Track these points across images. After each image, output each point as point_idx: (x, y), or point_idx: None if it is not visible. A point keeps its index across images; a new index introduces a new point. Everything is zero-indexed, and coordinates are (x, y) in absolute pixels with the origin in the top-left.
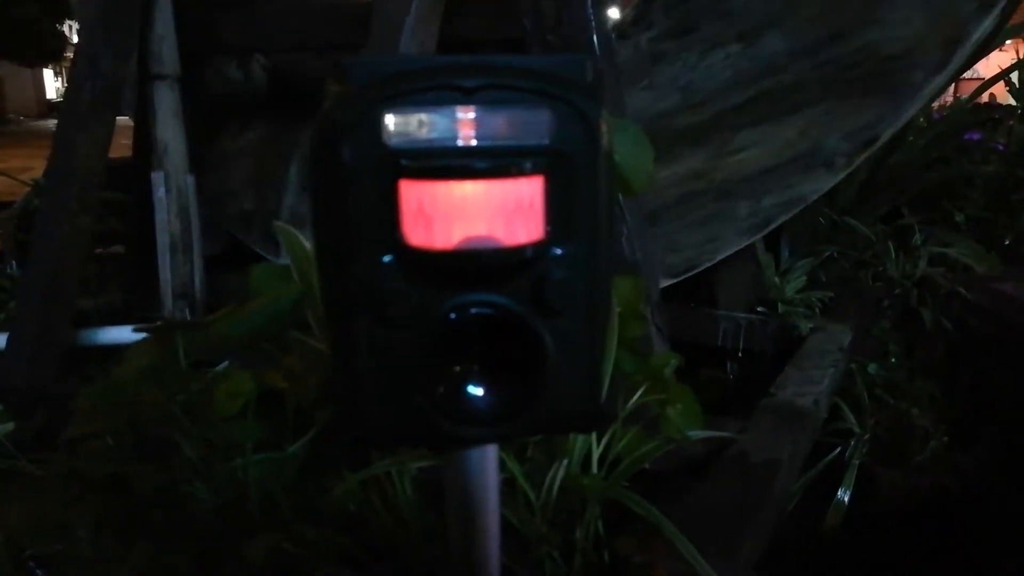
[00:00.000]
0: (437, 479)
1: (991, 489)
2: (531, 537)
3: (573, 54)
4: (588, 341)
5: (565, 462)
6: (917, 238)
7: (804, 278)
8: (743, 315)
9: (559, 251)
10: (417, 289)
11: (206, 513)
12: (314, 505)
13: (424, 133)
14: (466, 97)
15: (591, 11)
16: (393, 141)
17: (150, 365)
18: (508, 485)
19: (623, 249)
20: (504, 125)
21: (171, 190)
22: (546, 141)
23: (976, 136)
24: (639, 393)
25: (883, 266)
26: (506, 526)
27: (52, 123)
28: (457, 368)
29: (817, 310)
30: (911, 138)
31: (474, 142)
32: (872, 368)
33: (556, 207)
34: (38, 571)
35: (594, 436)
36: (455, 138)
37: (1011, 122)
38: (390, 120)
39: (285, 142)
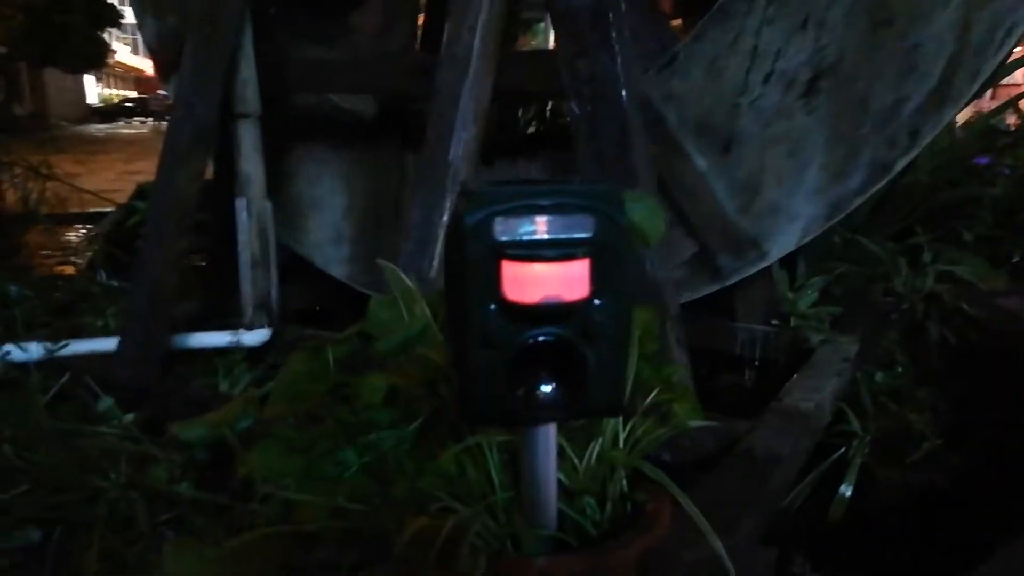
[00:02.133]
0: (514, 449)
1: (977, 485)
2: (576, 490)
3: (609, 182)
4: (616, 358)
5: (600, 440)
6: (926, 256)
7: (816, 293)
8: (759, 327)
9: (598, 302)
10: (509, 325)
11: (362, 475)
12: (426, 467)
13: (517, 232)
14: (542, 210)
15: (620, 68)
16: (499, 237)
17: (307, 369)
18: (560, 455)
19: (647, 271)
20: (565, 226)
21: (252, 214)
22: (590, 235)
23: (984, 160)
24: (653, 394)
25: (893, 282)
26: (559, 484)
27: (93, 128)
28: (532, 374)
29: (827, 324)
30: (919, 161)
31: (547, 236)
32: (879, 377)
33: (597, 275)
34: None
35: (620, 424)
36: (535, 234)
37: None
38: (498, 223)
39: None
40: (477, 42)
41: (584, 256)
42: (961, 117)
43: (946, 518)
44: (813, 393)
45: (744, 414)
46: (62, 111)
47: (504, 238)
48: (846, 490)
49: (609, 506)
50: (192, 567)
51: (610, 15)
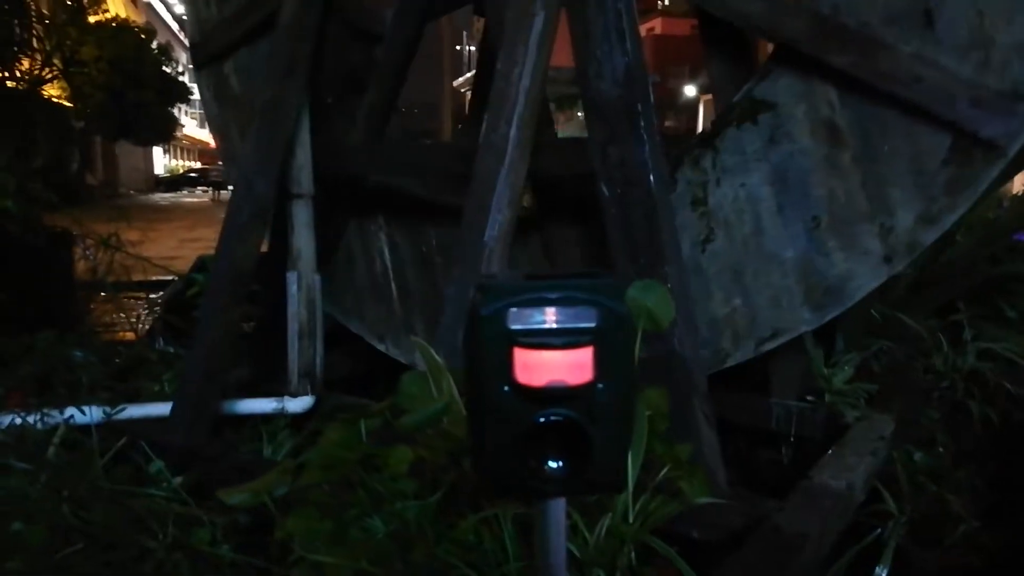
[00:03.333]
0: (528, 521)
1: (1015, 568)
2: (586, 562)
3: (609, 278)
4: (619, 437)
5: (610, 515)
6: (967, 333)
7: (852, 369)
8: (794, 403)
9: (601, 386)
10: (521, 405)
11: (385, 539)
12: (446, 535)
13: (528, 322)
14: (550, 302)
15: (648, 155)
16: (511, 325)
17: (341, 439)
18: (573, 529)
19: (676, 347)
20: (571, 317)
21: (302, 287)
22: (594, 325)
23: None
24: (664, 471)
25: (933, 360)
26: (570, 555)
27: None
28: (541, 451)
29: (863, 401)
30: (960, 238)
31: (555, 326)
32: (917, 456)
33: (600, 361)
34: None
35: (630, 499)
36: (544, 323)
37: None
38: (511, 314)
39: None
40: (513, 132)
41: (588, 344)
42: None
43: None
44: (846, 472)
45: (781, 490)
46: (130, 181)
47: (516, 327)
48: (881, 572)
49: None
50: None
51: (639, 105)
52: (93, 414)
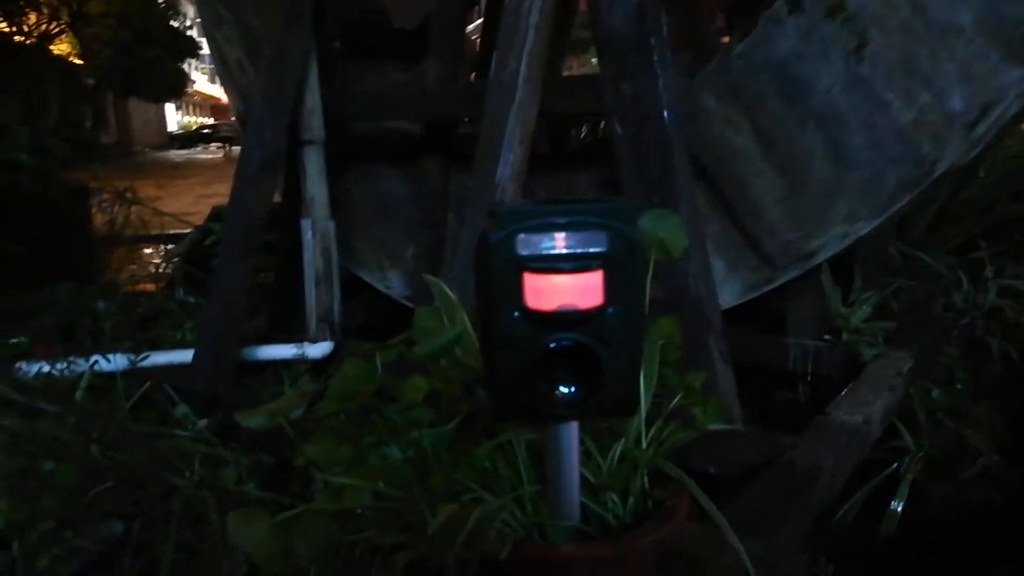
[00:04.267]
0: (539, 446)
1: None
2: (600, 486)
3: (620, 202)
4: (629, 361)
5: (623, 440)
6: (988, 270)
7: (870, 308)
8: (811, 342)
9: (611, 310)
10: (532, 330)
11: (403, 464)
12: (462, 462)
13: (537, 247)
14: (559, 227)
15: (662, 90)
16: (520, 251)
17: (359, 373)
18: (586, 455)
19: (691, 285)
20: (580, 242)
21: (316, 234)
22: (604, 249)
23: None
24: (677, 399)
25: (953, 297)
26: (584, 479)
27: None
28: (553, 376)
29: (881, 339)
30: (982, 174)
31: (564, 251)
32: (935, 393)
33: (610, 285)
34: None
35: (643, 425)
36: (553, 249)
37: None
38: (520, 239)
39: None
40: (523, 69)
41: (598, 268)
42: None
43: (1001, 534)
44: (862, 407)
45: (797, 429)
46: (144, 138)
47: (525, 252)
48: (897, 505)
49: (631, 501)
50: (251, 535)
51: (651, 39)
52: (118, 362)
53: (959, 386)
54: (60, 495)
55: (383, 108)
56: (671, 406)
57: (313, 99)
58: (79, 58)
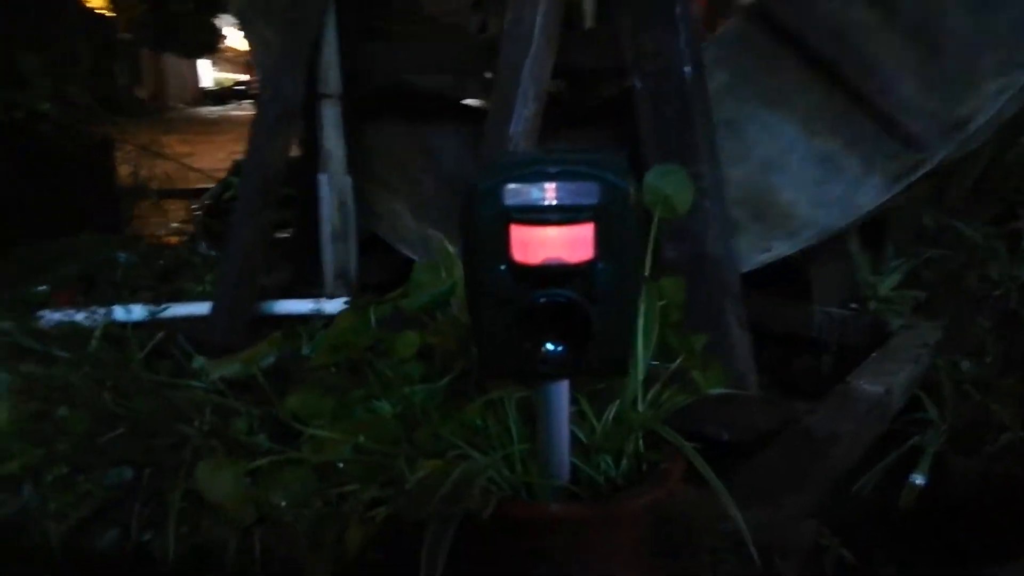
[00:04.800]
0: (531, 404)
1: None
2: (593, 447)
3: (613, 152)
4: (621, 320)
5: (618, 402)
6: None
7: (899, 276)
8: (837, 311)
9: (602, 265)
10: (518, 284)
11: (389, 418)
12: (452, 418)
13: (525, 197)
14: (549, 177)
15: (683, 44)
16: (508, 202)
17: (351, 326)
18: (580, 415)
19: (708, 247)
20: (570, 193)
21: (333, 189)
22: (595, 201)
23: None
24: (678, 361)
25: (988, 269)
26: (577, 440)
27: (207, 110)
28: (540, 332)
29: (910, 308)
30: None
31: (553, 202)
32: (964, 365)
33: (601, 239)
34: None
35: (640, 387)
36: (543, 200)
37: None
38: (507, 190)
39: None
40: (539, 20)
41: (587, 220)
42: None
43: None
44: (885, 377)
45: (819, 398)
46: (179, 94)
47: (513, 203)
48: (917, 478)
49: (624, 464)
50: (218, 484)
51: None
52: (137, 312)
53: (988, 359)
54: (73, 440)
55: (400, 62)
56: (671, 368)
57: (331, 53)
58: (112, 11)
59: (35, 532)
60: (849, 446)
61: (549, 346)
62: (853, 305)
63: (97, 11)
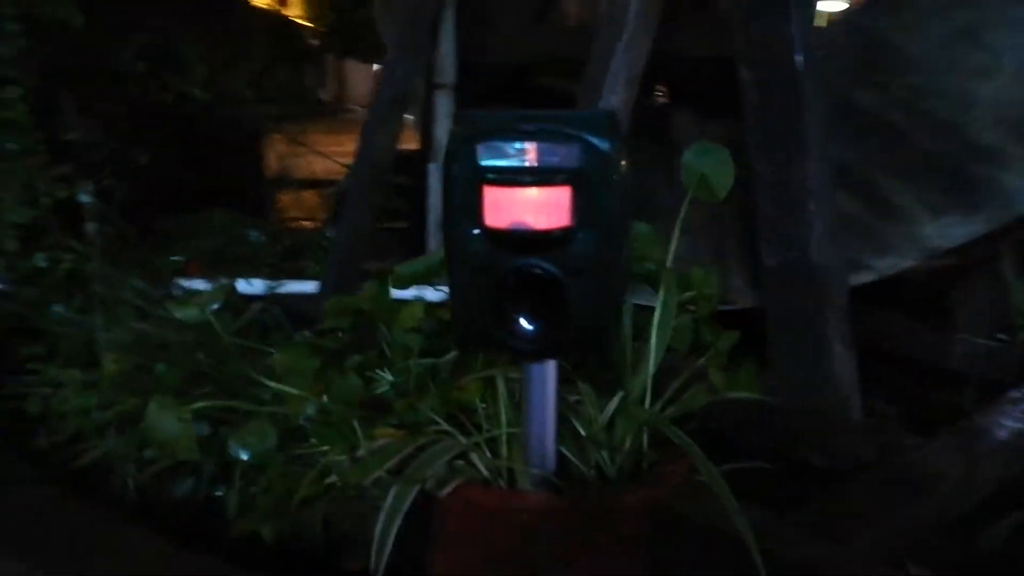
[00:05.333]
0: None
1: None
2: (589, 439)
3: (599, 109)
4: (603, 294)
5: (622, 395)
6: None
7: None
8: (982, 341)
9: (581, 234)
10: (492, 252)
11: (353, 382)
12: (438, 393)
13: (500, 156)
14: (526, 136)
15: (795, 32)
16: (482, 161)
17: (372, 293)
18: (580, 404)
19: (811, 253)
20: (548, 153)
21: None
22: (574, 164)
23: None
24: (703, 358)
25: None
26: (574, 431)
27: None
28: (512, 302)
29: None
30: None
31: (529, 163)
32: None
33: (580, 204)
34: None
35: (650, 380)
36: (517, 160)
37: None
38: (482, 148)
39: None
40: (634, 3)
41: (564, 183)
42: None
43: None
44: (1017, 418)
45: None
46: (358, 97)
47: (487, 162)
48: None
49: (619, 460)
50: (166, 425)
51: None
52: (257, 286)
53: None
54: (165, 392)
55: (510, 52)
56: (698, 365)
57: (448, 43)
58: (307, 20)
59: (117, 477)
60: (960, 488)
61: (523, 320)
62: (1001, 335)
63: (293, 20)
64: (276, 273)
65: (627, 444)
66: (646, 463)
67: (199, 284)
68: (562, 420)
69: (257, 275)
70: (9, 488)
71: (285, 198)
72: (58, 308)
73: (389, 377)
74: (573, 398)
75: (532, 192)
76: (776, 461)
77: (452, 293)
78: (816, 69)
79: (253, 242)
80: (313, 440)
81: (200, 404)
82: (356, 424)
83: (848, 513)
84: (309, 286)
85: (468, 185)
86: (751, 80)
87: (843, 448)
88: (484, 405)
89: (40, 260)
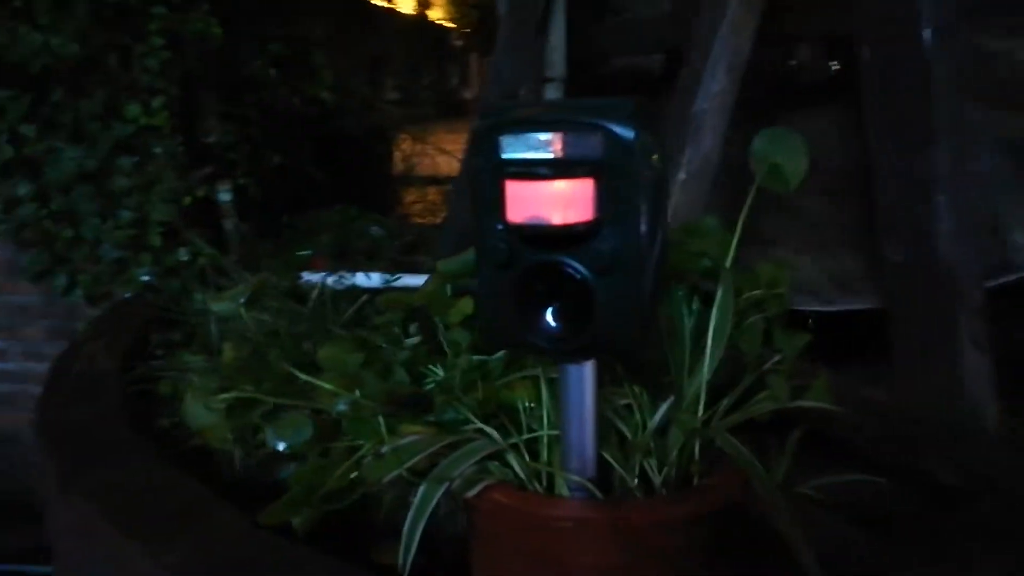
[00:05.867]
0: None
1: None
2: (635, 447)
3: (622, 99)
4: (632, 293)
5: (673, 400)
6: None
7: None
8: None
9: (606, 230)
10: (516, 248)
11: (378, 377)
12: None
13: (522, 148)
14: (545, 126)
15: (923, 3)
16: (504, 153)
17: (432, 289)
18: (628, 409)
19: (940, 249)
20: (571, 145)
21: None
22: (597, 155)
23: None
24: (770, 363)
25: None
26: (619, 436)
27: None
28: (536, 300)
29: None
30: None
31: (551, 154)
32: None
33: (604, 198)
34: None
35: (704, 385)
36: (538, 151)
37: None
38: (504, 140)
39: None
40: None
41: (587, 175)
42: None
43: None
44: None
45: None
46: None
47: (509, 155)
48: None
49: (667, 469)
50: (202, 414)
51: None
52: (375, 279)
53: None
54: (275, 381)
55: (619, 43)
56: (765, 368)
57: (557, 36)
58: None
59: (223, 458)
60: None
61: (547, 316)
62: None
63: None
64: (394, 267)
65: (675, 454)
66: (697, 474)
67: (326, 277)
68: (608, 424)
69: (377, 269)
70: (127, 463)
71: (409, 195)
72: (198, 297)
73: (440, 373)
74: (623, 401)
75: (552, 185)
76: (896, 475)
77: (480, 290)
78: (949, 45)
79: (374, 237)
80: (346, 435)
81: (232, 395)
82: (381, 420)
83: (971, 537)
84: (423, 280)
85: (491, 179)
86: (872, 60)
87: (976, 465)
88: (531, 404)
89: (182, 254)
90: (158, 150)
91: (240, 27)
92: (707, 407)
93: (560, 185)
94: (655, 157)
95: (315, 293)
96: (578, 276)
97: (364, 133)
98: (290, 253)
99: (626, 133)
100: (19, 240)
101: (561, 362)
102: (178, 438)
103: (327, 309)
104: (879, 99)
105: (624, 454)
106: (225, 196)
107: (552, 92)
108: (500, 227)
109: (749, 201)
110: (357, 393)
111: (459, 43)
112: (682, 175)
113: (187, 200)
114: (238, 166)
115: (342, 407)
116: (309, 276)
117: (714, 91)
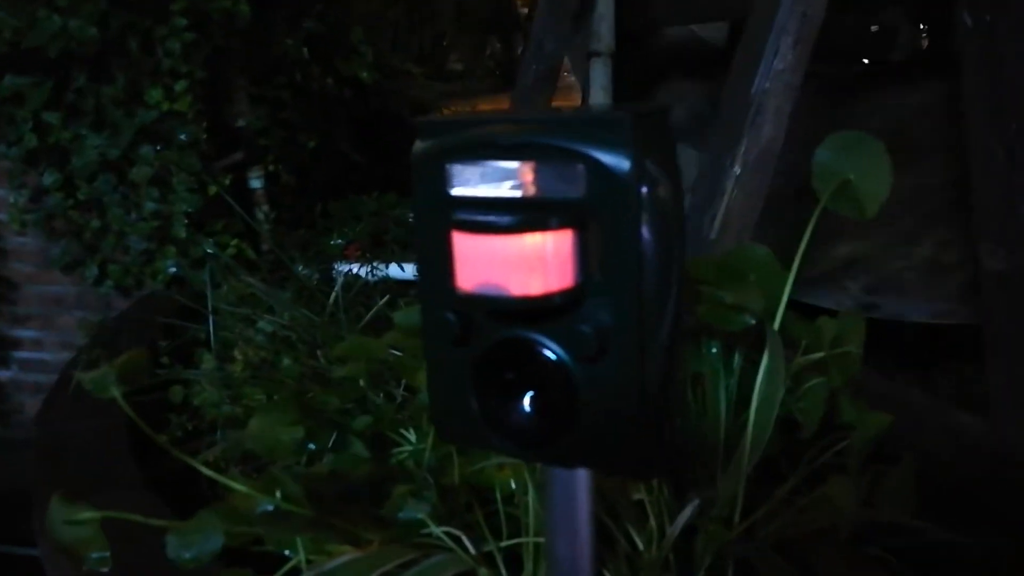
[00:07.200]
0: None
1: None
2: (647, 564)
3: (617, 109)
4: (636, 385)
5: (694, 506)
6: None
7: None
8: None
9: (594, 300)
10: (466, 320)
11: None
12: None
13: (474, 183)
14: (503, 153)
15: None
16: (453, 190)
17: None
18: (642, 512)
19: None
20: (543, 179)
21: None
22: (581, 194)
23: None
24: (833, 450)
25: None
26: (630, 549)
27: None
28: (500, 389)
29: None
30: None
31: (518, 194)
32: None
33: (589, 255)
34: None
35: (741, 490)
36: (493, 190)
37: None
38: (451, 171)
39: None
40: None
41: (564, 225)
42: None
43: None
44: None
45: None
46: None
47: (459, 190)
48: None
49: None
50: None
51: None
52: (409, 271)
53: None
54: (286, 391)
55: (671, 13)
56: (823, 458)
57: (606, 5)
58: None
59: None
60: None
61: (514, 411)
62: None
63: None
64: None
65: (703, 572)
66: None
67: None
68: (611, 532)
69: (412, 260)
70: (116, 488)
71: None
72: (221, 292)
73: (412, 441)
74: (635, 496)
75: (516, 241)
76: (998, 530)
77: (428, 372)
78: None
79: (411, 225)
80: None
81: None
82: (298, 541)
83: None
84: None
85: (436, 224)
86: (975, 27)
87: None
88: (516, 494)
89: (209, 246)
90: (182, 137)
91: (272, 3)
92: (745, 508)
93: (529, 240)
94: (661, 192)
95: (336, 289)
96: (554, 360)
97: (409, 111)
98: (323, 243)
99: (619, 163)
100: (48, 230)
101: (536, 464)
102: (188, 451)
103: (341, 312)
104: (980, 74)
105: (633, 571)
106: (256, 183)
107: (599, 67)
108: (449, 290)
109: (810, 230)
110: (278, 495)
111: (523, 10)
112: (737, 169)
113: (212, 190)
114: (270, 151)
115: (262, 511)
116: (341, 267)
117: (779, 68)
